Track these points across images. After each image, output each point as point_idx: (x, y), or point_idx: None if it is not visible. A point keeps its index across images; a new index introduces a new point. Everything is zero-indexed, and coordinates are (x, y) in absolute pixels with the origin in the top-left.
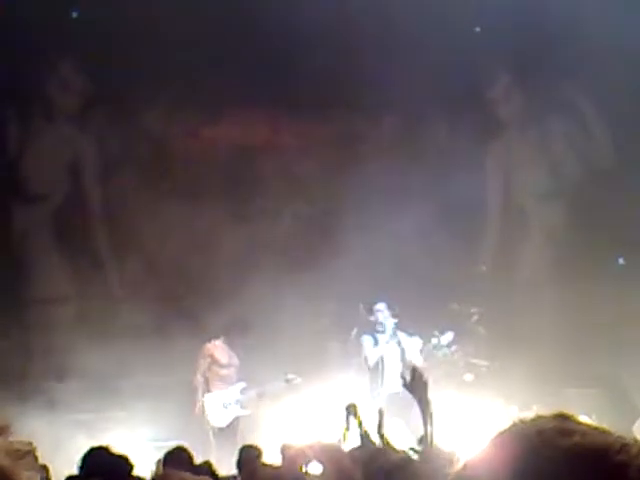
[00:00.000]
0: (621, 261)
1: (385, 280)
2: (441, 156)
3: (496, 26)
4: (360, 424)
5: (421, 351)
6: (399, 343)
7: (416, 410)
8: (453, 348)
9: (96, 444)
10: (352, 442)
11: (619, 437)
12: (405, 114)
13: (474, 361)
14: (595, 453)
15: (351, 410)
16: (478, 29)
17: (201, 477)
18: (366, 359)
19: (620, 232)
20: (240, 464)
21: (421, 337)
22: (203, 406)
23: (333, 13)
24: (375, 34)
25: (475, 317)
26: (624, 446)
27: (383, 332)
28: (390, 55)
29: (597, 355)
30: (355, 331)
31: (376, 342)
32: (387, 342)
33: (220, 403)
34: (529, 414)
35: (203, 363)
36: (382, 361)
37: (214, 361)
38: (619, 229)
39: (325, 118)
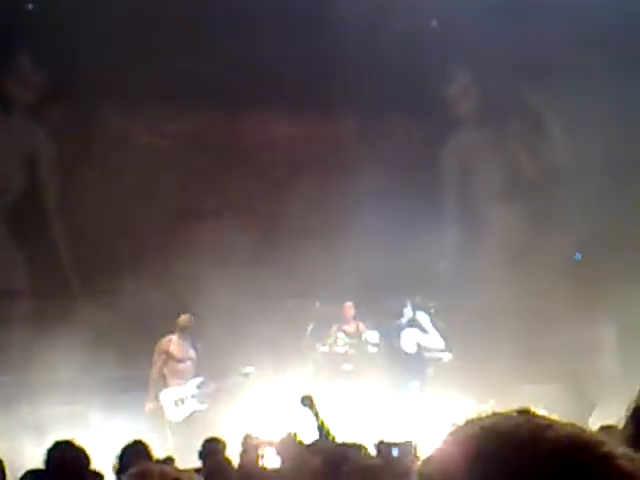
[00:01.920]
0: (578, 257)
1: (344, 276)
2: (399, 154)
3: (453, 21)
4: (317, 416)
5: (379, 345)
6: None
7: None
8: None
9: (57, 438)
10: (309, 434)
11: (591, 430)
12: (361, 112)
13: (432, 355)
14: (578, 445)
15: (306, 402)
16: (435, 23)
17: (181, 470)
18: (418, 346)
19: (576, 230)
20: (204, 456)
21: (379, 331)
22: (160, 401)
23: (293, 10)
24: (330, 32)
25: (433, 311)
26: (599, 438)
27: (414, 325)
28: (346, 53)
29: (553, 350)
30: (311, 326)
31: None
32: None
33: (177, 398)
34: (487, 408)
35: (159, 359)
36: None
37: (170, 356)
38: (576, 226)
39: (283, 117)
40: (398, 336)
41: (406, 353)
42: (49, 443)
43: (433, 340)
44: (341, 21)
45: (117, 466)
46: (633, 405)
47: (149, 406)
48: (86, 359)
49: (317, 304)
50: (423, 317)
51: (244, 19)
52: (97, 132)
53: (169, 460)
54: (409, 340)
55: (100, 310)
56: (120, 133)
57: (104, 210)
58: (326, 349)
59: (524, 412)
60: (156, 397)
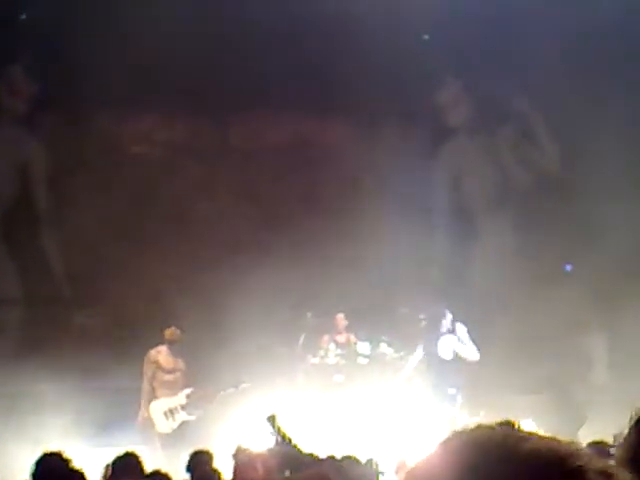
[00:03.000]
0: (568, 268)
1: (335, 286)
2: (391, 161)
3: (446, 34)
4: (281, 433)
5: (369, 356)
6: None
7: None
8: (402, 353)
9: (45, 449)
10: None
11: (569, 443)
12: (355, 120)
13: (422, 366)
14: (552, 458)
15: (271, 421)
16: (427, 37)
17: None
18: (454, 354)
19: (567, 240)
20: (191, 468)
21: (370, 342)
22: (149, 413)
23: (285, 16)
24: (326, 41)
25: (423, 322)
26: (578, 451)
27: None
28: (341, 62)
29: (544, 361)
30: (303, 337)
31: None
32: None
33: (166, 409)
34: (477, 419)
35: (148, 370)
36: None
37: (159, 367)
38: (566, 237)
39: (275, 122)
40: (436, 344)
41: (443, 360)
42: (37, 454)
43: (469, 351)
44: (335, 28)
45: (108, 477)
46: (636, 414)
47: (143, 416)
48: (76, 368)
49: (308, 315)
50: (461, 328)
51: (236, 25)
52: (88, 141)
53: (159, 474)
54: (446, 347)
55: (91, 318)
56: (111, 141)
57: (96, 218)
58: (317, 360)
59: (505, 424)
60: (147, 408)
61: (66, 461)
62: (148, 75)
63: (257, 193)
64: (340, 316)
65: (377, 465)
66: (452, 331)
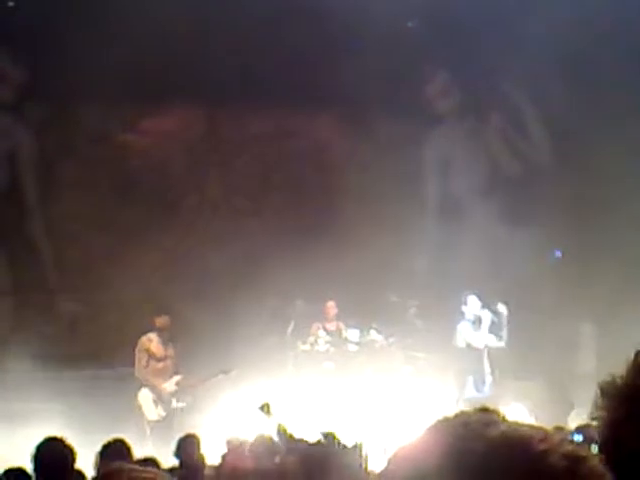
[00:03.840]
0: (558, 254)
1: (324, 274)
2: (379, 150)
3: (433, 22)
4: (275, 422)
5: (358, 343)
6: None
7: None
8: (391, 340)
9: (36, 435)
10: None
11: (541, 428)
12: (342, 110)
13: (411, 353)
14: (520, 442)
15: (264, 409)
16: (410, 24)
17: (153, 469)
18: (465, 342)
19: (557, 227)
20: (180, 453)
21: (360, 329)
22: (139, 401)
23: (271, 6)
24: (311, 31)
25: (413, 310)
26: (547, 435)
27: (475, 322)
28: (326, 51)
29: (535, 348)
30: (292, 325)
31: (475, 329)
32: (488, 333)
33: (155, 397)
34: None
35: (141, 357)
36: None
37: (151, 355)
38: (556, 223)
39: (262, 114)
40: (454, 331)
41: (459, 348)
42: (22, 439)
43: (480, 338)
44: (322, 19)
45: (98, 464)
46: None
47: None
48: (64, 354)
49: (298, 302)
50: (485, 315)
51: (222, 16)
52: (76, 129)
53: (150, 461)
54: (459, 335)
55: (79, 306)
56: (99, 130)
57: (83, 207)
58: (307, 347)
59: (483, 410)
60: (136, 395)
61: (67, 446)
62: (135, 65)
63: (245, 184)
64: (331, 304)
65: (364, 449)
66: (477, 318)
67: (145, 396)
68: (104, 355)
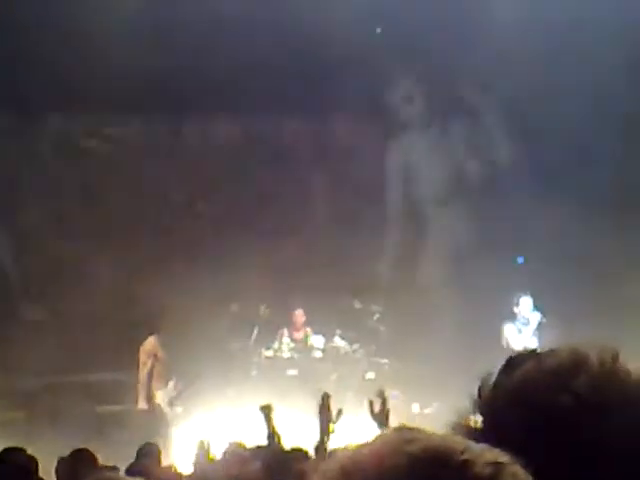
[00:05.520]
0: (520, 260)
1: (288, 280)
2: (343, 157)
3: (398, 27)
4: (271, 426)
5: (323, 350)
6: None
7: None
8: (355, 346)
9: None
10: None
11: (464, 439)
12: (308, 117)
13: (375, 359)
14: (441, 454)
15: (265, 411)
16: (379, 30)
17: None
18: (507, 344)
19: (519, 232)
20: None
21: (324, 336)
22: (158, 402)
23: (237, 13)
24: (278, 37)
25: (376, 316)
26: (469, 446)
27: (525, 324)
28: (291, 56)
29: (496, 353)
30: (256, 331)
31: (519, 331)
32: (531, 336)
33: (168, 399)
34: (430, 411)
35: (148, 360)
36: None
37: (157, 358)
38: (518, 229)
39: (228, 120)
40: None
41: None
42: None
43: (522, 342)
44: (286, 25)
45: (65, 473)
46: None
47: (142, 406)
48: (30, 365)
49: (262, 308)
50: (534, 318)
51: (188, 23)
52: (39, 135)
53: (115, 468)
54: (505, 335)
55: (44, 315)
56: (60, 138)
57: (47, 214)
58: (270, 354)
59: (402, 428)
60: (146, 398)
61: (28, 457)
62: (101, 71)
63: (210, 191)
64: (299, 312)
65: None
66: (527, 320)
67: (161, 398)
68: (70, 363)
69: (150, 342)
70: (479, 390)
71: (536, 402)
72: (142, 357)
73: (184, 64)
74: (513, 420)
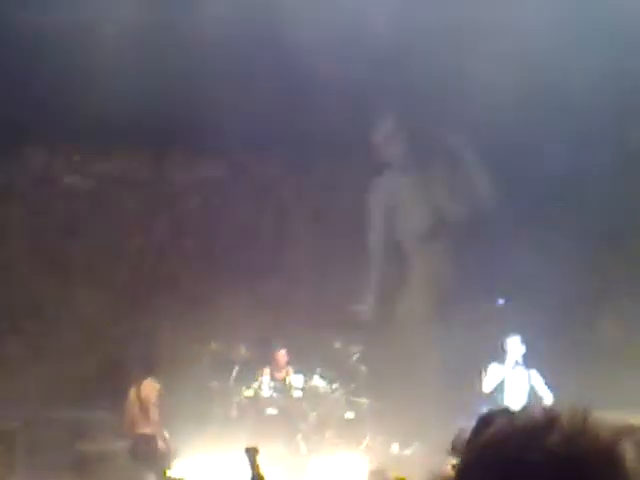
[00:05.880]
0: (500, 302)
1: (268, 320)
2: (325, 194)
3: (382, 70)
4: (255, 468)
5: (303, 389)
6: (528, 376)
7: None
8: (335, 386)
9: None
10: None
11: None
12: (290, 153)
13: (355, 399)
14: None
15: (250, 453)
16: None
17: None
18: (490, 384)
19: (500, 273)
20: None
21: (304, 375)
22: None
23: (224, 46)
24: (262, 72)
25: (356, 356)
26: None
27: (512, 364)
28: (273, 96)
29: (477, 392)
30: (236, 370)
31: (504, 371)
32: (513, 368)
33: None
34: (410, 451)
35: (158, 400)
36: (502, 386)
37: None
38: (499, 271)
39: (214, 156)
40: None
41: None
42: None
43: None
44: (272, 61)
45: None
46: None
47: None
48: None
49: (242, 348)
50: (520, 357)
51: (171, 60)
52: (19, 172)
53: None
54: (487, 375)
55: (24, 350)
56: (43, 173)
57: (27, 250)
58: (251, 393)
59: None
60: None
61: None
62: (83, 106)
63: (192, 225)
64: (282, 352)
65: None
66: (518, 363)
67: None
68: (50, 399)
69: (155, 386)
70: (452, 446)
71: (508, 458)
72: (154, 397)
73: (168, 100)
74: (484, 477)
